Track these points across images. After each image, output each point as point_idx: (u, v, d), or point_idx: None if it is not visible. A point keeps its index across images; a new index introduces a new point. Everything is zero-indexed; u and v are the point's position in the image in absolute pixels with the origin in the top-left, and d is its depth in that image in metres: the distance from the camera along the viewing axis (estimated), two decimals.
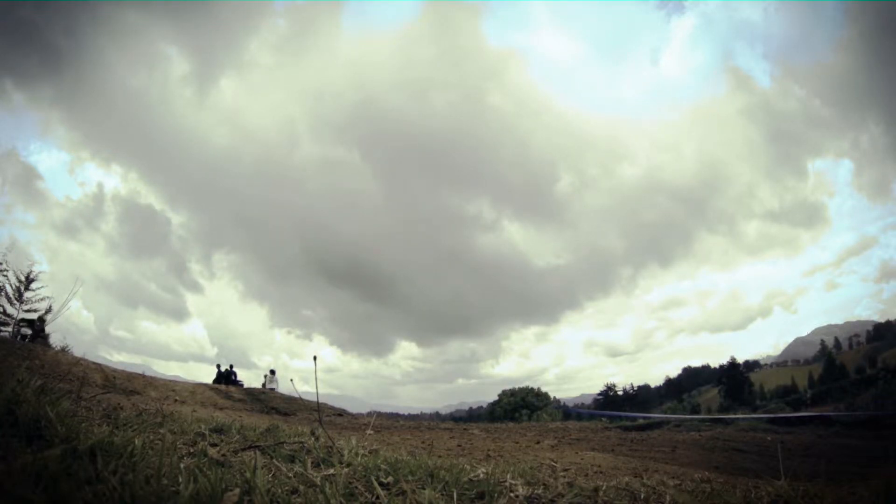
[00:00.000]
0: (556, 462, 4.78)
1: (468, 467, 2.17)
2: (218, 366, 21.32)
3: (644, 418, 15.72)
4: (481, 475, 2.00)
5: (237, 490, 1.37)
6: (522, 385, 39.80)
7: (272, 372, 21.12)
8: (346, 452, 2.14)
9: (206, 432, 2.65)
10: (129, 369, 14.10)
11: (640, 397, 48.90)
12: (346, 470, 1.86)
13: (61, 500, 1.09)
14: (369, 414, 20.67)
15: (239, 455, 2.09)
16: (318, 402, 2.48)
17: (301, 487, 1.60)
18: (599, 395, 49.20)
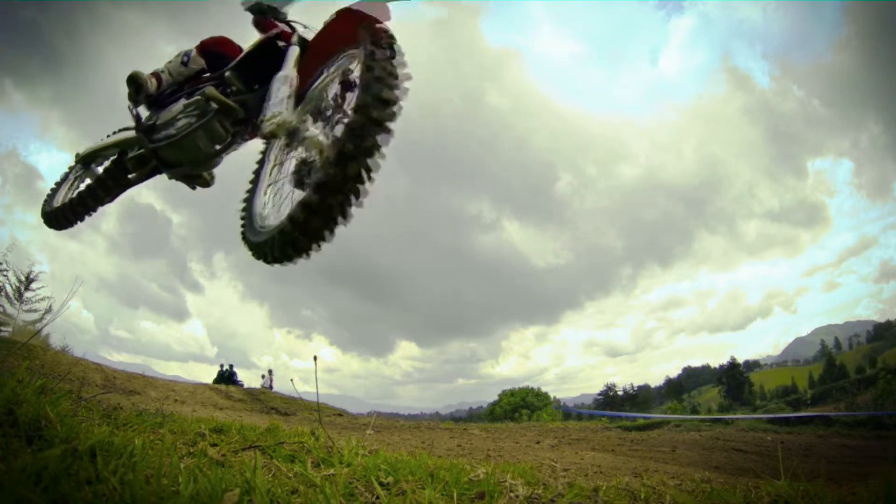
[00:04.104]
0: (556, 462, 4.78)
1: (468, 467, 2.17)
2: (221, 366, 21.85)
3: (644, 418, 15.71)
4: (481, 475, 2.00)
5: (237, 490, 1.37)
6: (522, 385, 39.82)
7: (270, 372, 22.17)
8: (346, 452, 2.14)
9: (206, 432, 2.64)
10: (129, 369, 14.08)
11: (640, 397, 48.81)
12: (346, 470, 1.85)
13: (61, 500, 1.09)
14: (369, 414, 20.73)
15: (239, 455, 2.09)
16: (318, 402, 2.48)
17: (301, 487, 1.60)
18: (599, 395, 49.18)
